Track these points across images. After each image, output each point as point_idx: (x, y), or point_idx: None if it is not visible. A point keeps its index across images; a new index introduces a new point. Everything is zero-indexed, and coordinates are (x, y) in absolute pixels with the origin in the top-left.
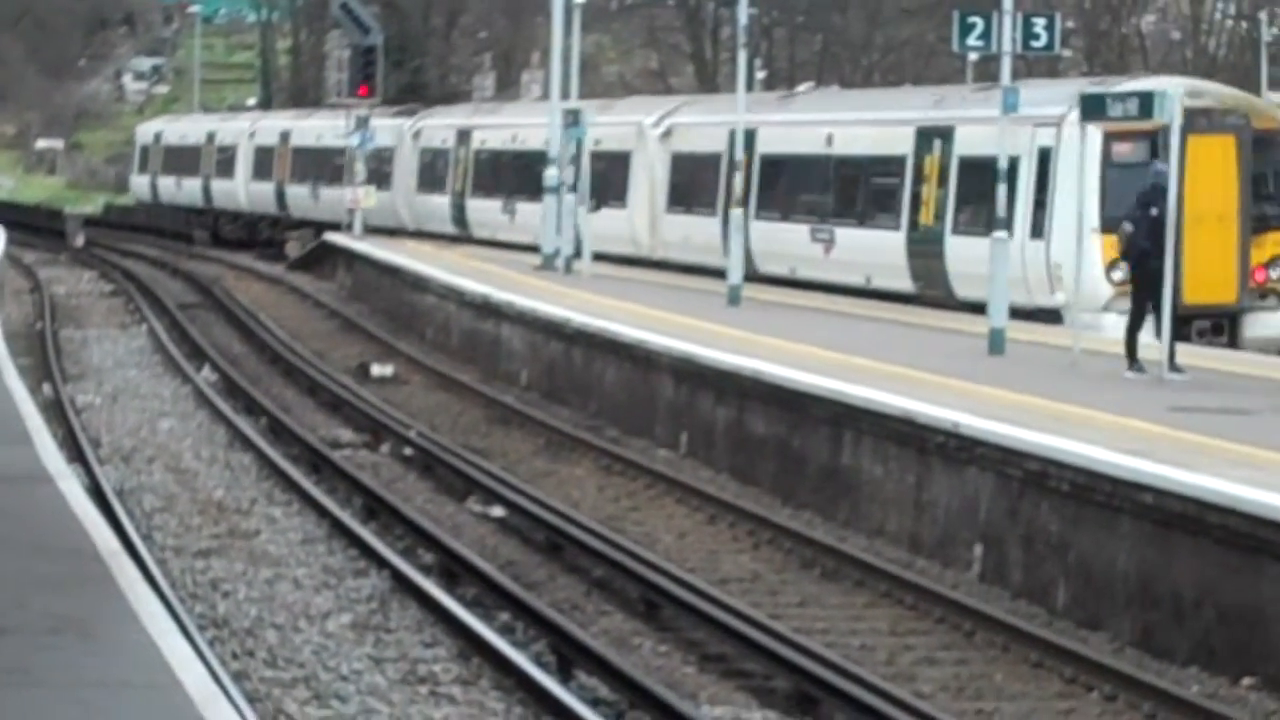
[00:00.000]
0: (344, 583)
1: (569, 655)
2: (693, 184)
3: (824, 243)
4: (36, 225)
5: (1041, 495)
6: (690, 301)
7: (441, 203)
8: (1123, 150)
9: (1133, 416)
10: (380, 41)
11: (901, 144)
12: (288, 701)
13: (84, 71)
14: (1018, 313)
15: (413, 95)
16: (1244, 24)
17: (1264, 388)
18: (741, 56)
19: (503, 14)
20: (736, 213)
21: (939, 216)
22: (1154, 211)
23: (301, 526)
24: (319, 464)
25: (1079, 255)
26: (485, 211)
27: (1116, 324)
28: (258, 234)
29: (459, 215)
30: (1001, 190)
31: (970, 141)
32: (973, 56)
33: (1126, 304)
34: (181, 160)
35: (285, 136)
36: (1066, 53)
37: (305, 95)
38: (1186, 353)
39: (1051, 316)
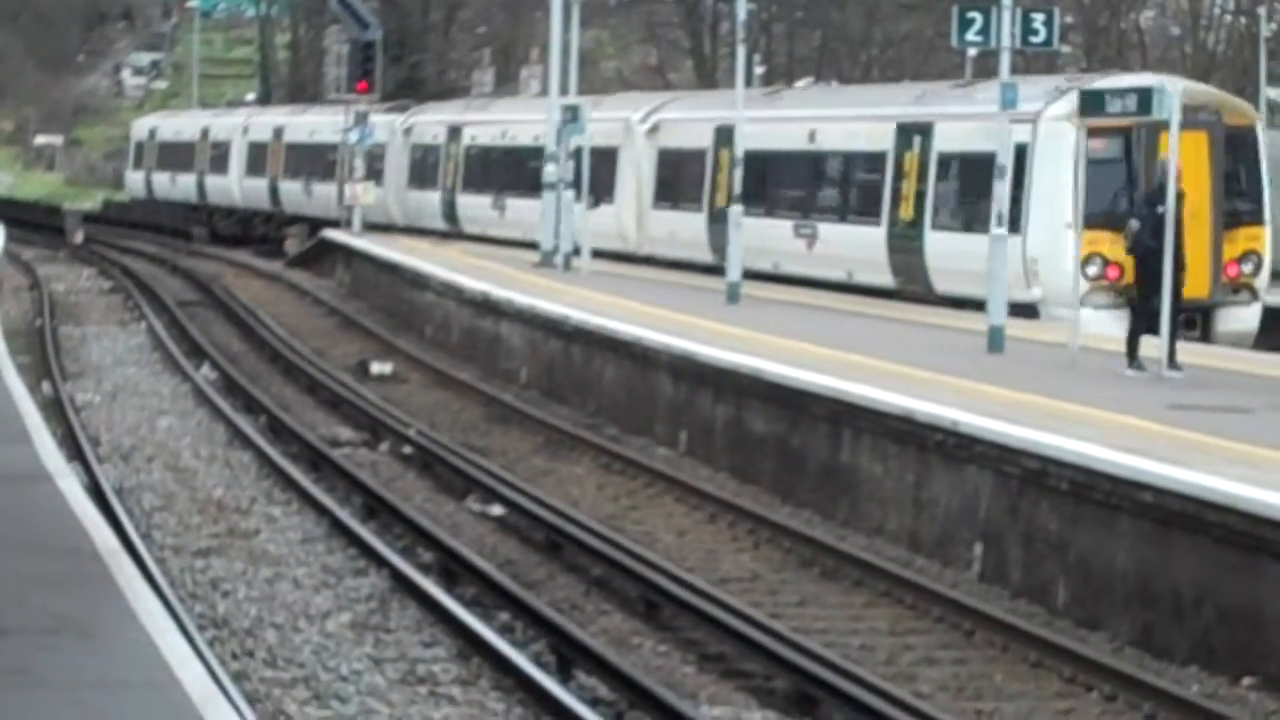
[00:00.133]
0: (343, 582)
1: (568, 655)
2: (678, 180)
3: (807, 238)
4: (35, 222)
5: (1041, 494)
6: (689, 299)
7: (432, 199)
8: (1098, 146)
9: (1132, 415)
10: (379, 37)
11: (882, 140)
12: (287, 702)
13: (83, 67)
14: None
15: (411, 91)
16: (1243, 19)
17: (1263, 386)
18: (740, 52)
19: (502, 9)
20: (736, 209)
21: (918, 212)
22: (1160, 210)
23: (301, 525)
24: (318, 462)
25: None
26: (475, 207)
27: (1092, 319)
28: (252, 229)
29: (449, 211)
30: (999, 186)
31: (949, 137)
32: (972, 52)
33: (1102, 299)
34: (176, 156)
35: (279, 132)
36: (1065, 48)
37: (304, 91)
38: (1185, 350)
39: (1028, 311)
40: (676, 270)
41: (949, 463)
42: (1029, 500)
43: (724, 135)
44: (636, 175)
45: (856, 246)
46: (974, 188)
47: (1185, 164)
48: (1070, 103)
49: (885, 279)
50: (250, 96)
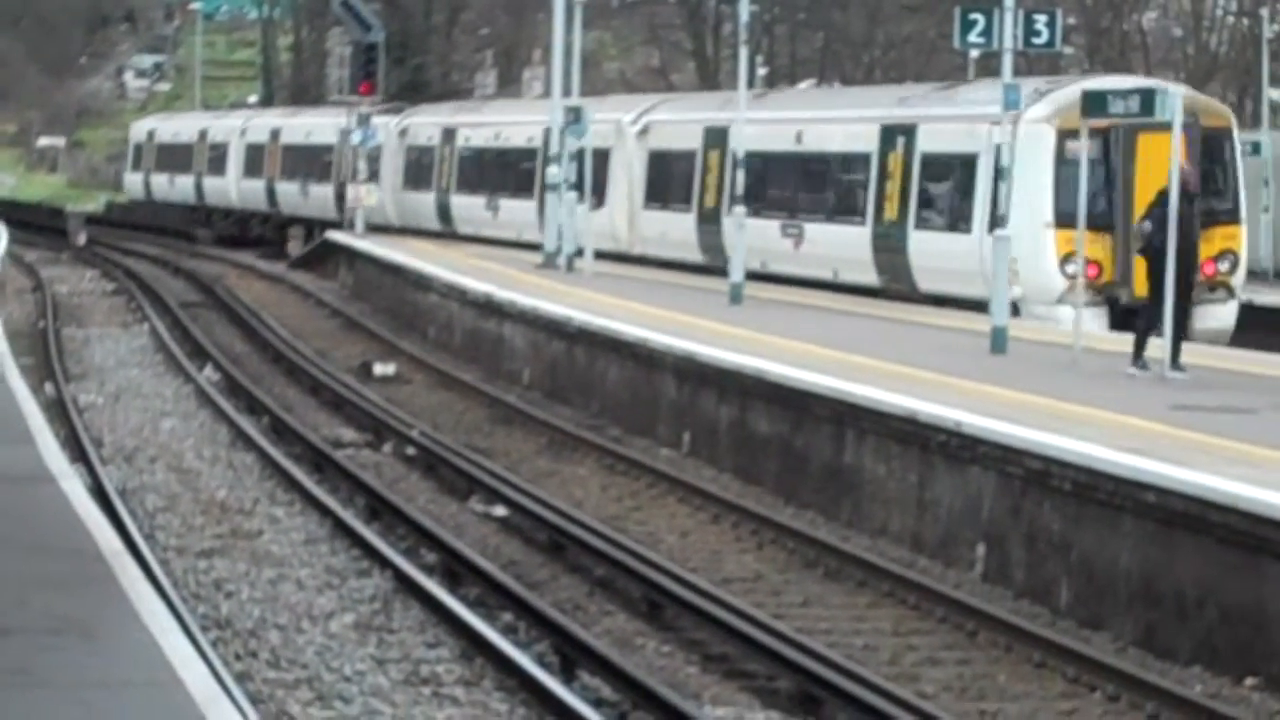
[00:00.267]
0: (347, 583)
1: (572, 655)
2: (668, 181)
3: (793, 238)
4: (38, 224)
5: (1044, 494)
6: (692, 300)
7: (427, 199)
8: (1075, 147)
9: (1134, 415)
10: (382, 38)
11: (867, 141)
12: (290, 702)
13: (85, 69)
14: (976, 305)
15: (414, 92)
16: (1245, 20)
17: (1265, 386)
18: (743, 53)
19: (504, 11)
20: (739, 210)
21: (902, 212)
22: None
23: (304, 526)
24: (321, 464)
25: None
26: (469, 208)
27: (1071, 317)
28: (249, 230)
29: (444, 212)
30: (1003, 187)
31: (932, 139)
32: (974, 53)
33: (1080, 297)
34: (174, 158)
35: (275, 134)
36: (1068, 50)
37: (307, 93)
38: (1188, 351)
39: (1010, 309)
40: (667, 270)
41: (952, 463)
42: (1032, 501)
43: (713, 137)
44: (628, 176)
45: (842, 246)
46: (956, 188)
47: (1163, 165)
48: (1049, 105)
49: (870, 278)
50: (253, 99)
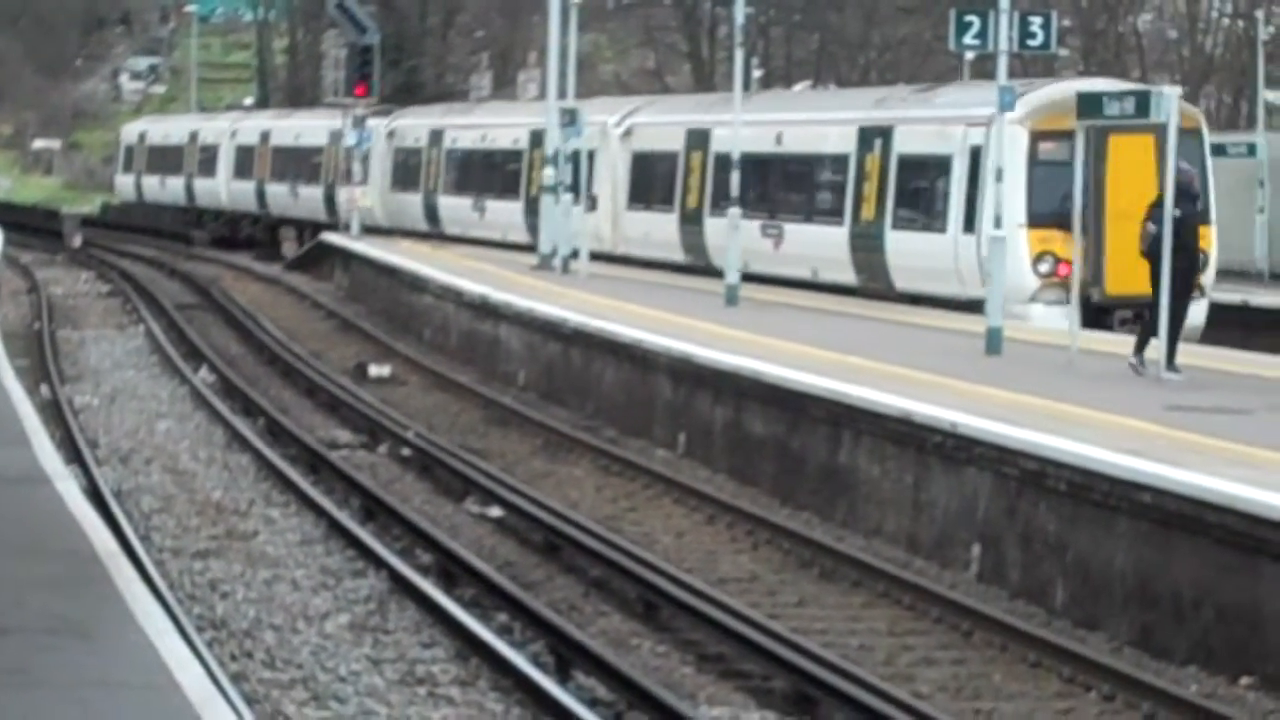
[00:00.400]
0: (342, 583)
1: (567, 656)
2: (651, 182)
3: (773, 238)
4: (34, 225)
5: (1039, 495)
6: (687, 301)
7: (414, 200)
8: (1049, 148)
9: (1130, 416)
10: (377, 41)
11: (845, 143)
12: (286, 703)
13: (81, 71)
14: (952, 303)
15: (409, 95)
16: (1241, 23)
17: (1261, 387)
18: (738, 56)
19: (499, 13)
20: (734, 211)
21: (879, 212)
22: (1177, 213)
23: (300, 527)
24: (317, 465)
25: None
26: (456, 209)
27: (1044, 315)
28: (239, 231)
29: (431, 213)
30: (997, 188)
31: (908, 141)
32: (969, 55)
33: (1053, 295)
34: (165, 159)
35: (265, 136)
36: (1063, 52)
37: (302, 95)
38: (1184, 353)
39: (984, 308)
40: (649, 269)
41: (948, 464)
42: (1027, 501)
43: (694, 138)
44: (612, 177)
45: (821, 246)
46: (932, 189)
47: (1134, 166)
48: (1023, 107)
49: (848, 277)
50: (248, 101)
